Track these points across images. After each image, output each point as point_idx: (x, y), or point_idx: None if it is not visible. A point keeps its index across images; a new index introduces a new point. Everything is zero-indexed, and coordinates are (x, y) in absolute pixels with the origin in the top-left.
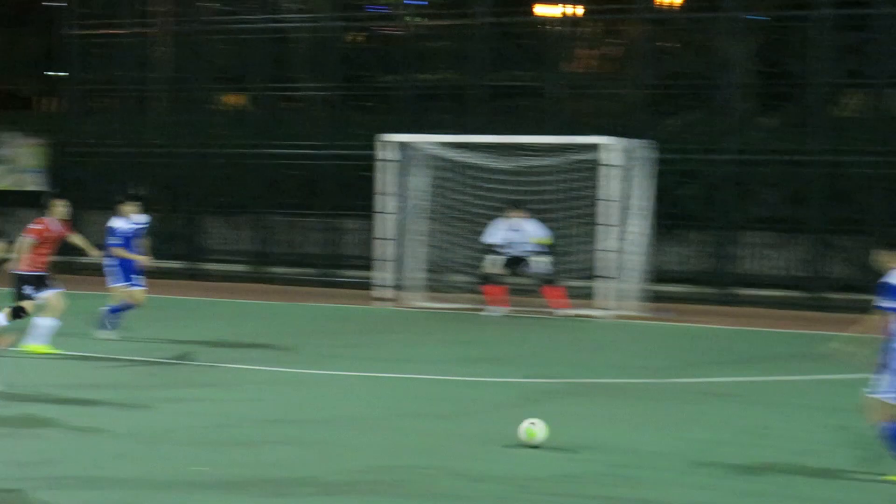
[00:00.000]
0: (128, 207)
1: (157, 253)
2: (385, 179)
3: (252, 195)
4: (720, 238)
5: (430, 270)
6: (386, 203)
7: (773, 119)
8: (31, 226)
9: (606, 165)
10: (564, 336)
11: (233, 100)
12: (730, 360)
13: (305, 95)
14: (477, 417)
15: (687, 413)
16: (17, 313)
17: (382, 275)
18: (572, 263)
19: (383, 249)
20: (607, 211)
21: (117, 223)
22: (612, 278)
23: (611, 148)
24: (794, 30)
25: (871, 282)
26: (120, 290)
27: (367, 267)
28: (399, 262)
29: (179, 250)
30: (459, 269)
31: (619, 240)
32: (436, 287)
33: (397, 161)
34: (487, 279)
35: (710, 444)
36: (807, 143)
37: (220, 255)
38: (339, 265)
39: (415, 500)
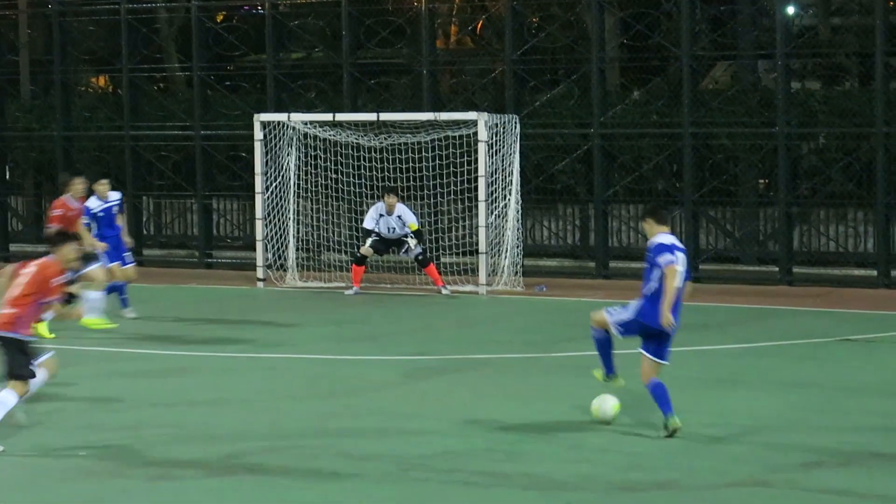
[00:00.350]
0: (101, 187)
1: (26, 237)
2: (259, 159)
3: (124, 178)
4: (592, 212)
5: (306, 250)
6: (260, 183)
7: (642, 93)
8: (54, 212)
9: (479, 141)
10: (442, 313)
11: (101, 82)
12: None
13: (175, 76)
14: (359, 396)
15: (568, 387)
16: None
17: (260, 255)
18: (450, 240)
19: (260, 230)
20: (481, 187)
21: (91, 203)
22: (487, 254)
23: (482, 124)
24: (660, 3)
25: (744, 252)
26: (114, 269)
27: (245, 248)
28: (275, 242)
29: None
30: (335, 247)
31: (493, 215)
32: (312, 266)
33: (270, 141)
34: (361, 261)
35: (592, 417)
36: (676, 116)
37: None
38: (217, 246)
39: (298, 480)
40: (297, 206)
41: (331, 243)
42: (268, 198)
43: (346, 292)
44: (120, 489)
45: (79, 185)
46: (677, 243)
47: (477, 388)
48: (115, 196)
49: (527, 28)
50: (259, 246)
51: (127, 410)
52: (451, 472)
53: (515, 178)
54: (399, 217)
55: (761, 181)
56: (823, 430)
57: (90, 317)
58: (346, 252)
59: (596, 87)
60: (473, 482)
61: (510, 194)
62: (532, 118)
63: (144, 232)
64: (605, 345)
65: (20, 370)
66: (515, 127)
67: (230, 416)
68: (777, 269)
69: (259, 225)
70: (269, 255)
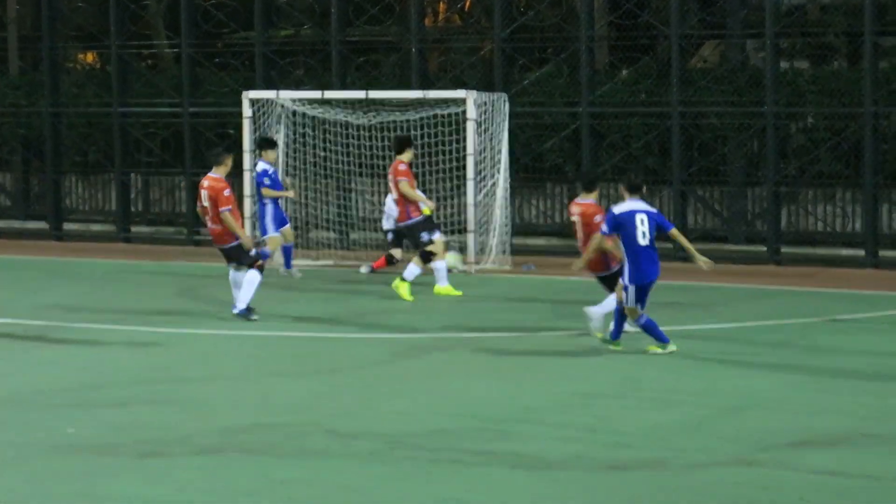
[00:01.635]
0: (271, 153)
1: (14, 214)
2: (247, 137)
3: (113, 154)
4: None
5: (294, 227)
6: (248, 160)
7: (631, 72)
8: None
9: (467, 119)
10: (431, 292)
11: (90, 58)
12: None
13: (163, 53)
14: (347, 374)
15: (556, 366)
16: (427, 257)
17: (248, 232)
18: (438, 219)
19: (248, 207)
20: (469, 165)
21: (261, 167)
22: (476, 233)
23: (471, 102)
24: None
25: (732, 231)
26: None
27: None
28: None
29: (40, 211)
30: (323, 225)
31: (481, 194)
32: (301, 244)
33: (259, 118)
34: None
35: (581, 396)
36: (664, 95)
37: (83, 215)
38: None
39: (288, 459)
40: (285, 184)
41: (319, 221)
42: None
43: (361, 269)
44: (108, 466)
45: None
46: (641, 207)
47: (466, 366)
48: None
49: (515, 6)
50: (247, 223)
51: (114, 387)
52: (440, 450)
53: (504, 156)
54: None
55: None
56: (812, 410)
57: (440, 285)
58: (333, 230)
59: (584, 66)
60: (462, 460)
61: (498, 173)
62: (521, 96)
63: (132, 209)
64: (650, 324)
65: (249, 259)
66: (504, 105)
67: (218, 394)
68: (765, 248)
69: (247, 202)
70: (257, 233)
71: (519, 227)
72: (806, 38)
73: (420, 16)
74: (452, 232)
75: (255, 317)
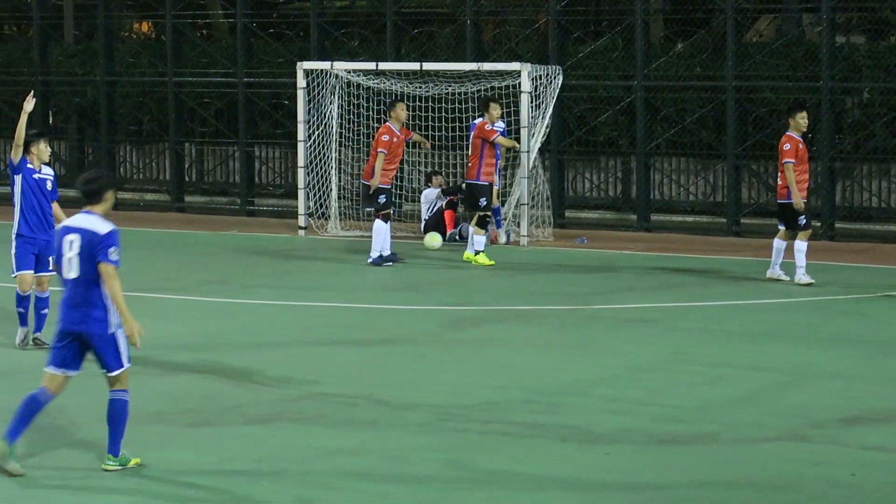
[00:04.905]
0: (402, 112)
1: (69, 182)
2: (301, 107)
3: (166, 124)
4: (634, 164)
5: (348, 199)
6: (303, 131)
7: (686, 45)
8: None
9: (521, 92)
10: (479, 266)
11: (145, 27)
12: (647, 287)
13: (218, 23)
14: (397, 345)
15: (608, 339)
16: (483, 222)
17: (301, 203)
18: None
19: (302, 178)
20: (524, 137)
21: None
22: (528, 205)
23: (525, 74)
24: None
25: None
26: None
27: (287, 195)
28: (317, 190)
29: None
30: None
31: (533, 167)
32: (353, 216)
33: (313, 89)
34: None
35: (632, 370)
36: (719, 69)
37: (137, 184)
38: (259, 194)
39: (338, 429)
40: (340, 155)
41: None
42: (310, 146)
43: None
44: (158, 434)
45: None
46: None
47: (516, 339)
48: None
49: None
50: (301, 194)
51: (165, 355)
52: (490, 422)
53: (540, 129)
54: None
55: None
56: (864, 386)
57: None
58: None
59: (639, 40)
60: (512, 433)
61: (551, 145)
62: (575, 69)
63: (186, 178)
64: None
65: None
66: (558, 78)
67: (269, 363)
68: (819, 223)
69: (301, 173)
70: (311, 204)
71: (571, 201)
72: (862, 13)
73: None
74: (503, 203)
75: (388, 263)
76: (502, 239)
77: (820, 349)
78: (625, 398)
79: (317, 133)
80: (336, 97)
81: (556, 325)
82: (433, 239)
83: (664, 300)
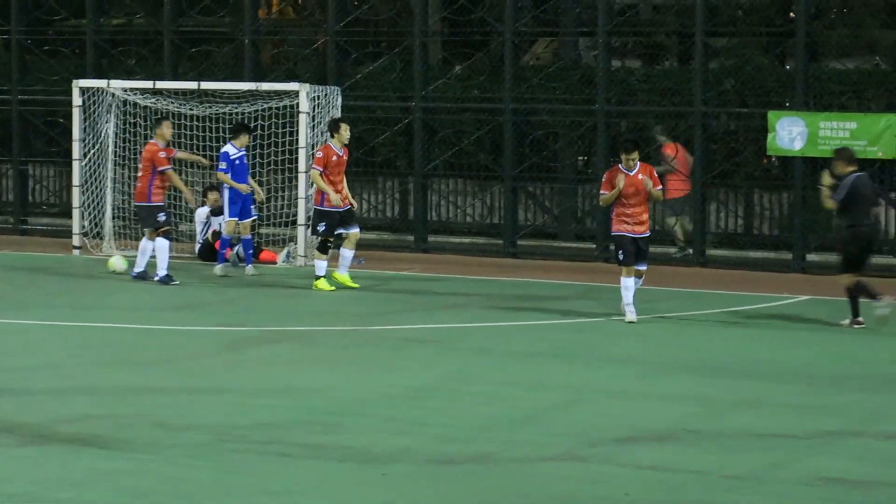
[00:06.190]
0: (243, 137)
1: None
2: (77, 126)
3: None
4: (412, 185)
5: (123, 218)
6: (78, 150)
7: (464, 67)
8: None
9: (300, 112)
10: (262, 284)
11: None
12: (426, 307)
13: None
14: (176, 366)
15: (388, 359)
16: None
17: (76, 223)
18: (269, 211)
19: (77, 197)
20: (301, 158)
21: (230, 149)
22: (307, 226)
23: (304, 95)
24: None
25: (562, 228)
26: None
27: (61, 214)
28: (92, 209)
29: None
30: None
31: (312, 187)
32: (130, 235)
33: (89, 107)
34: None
35: (411, 390)
36: (497, 91)
37: None
38: (32, 213)
39: (115, 451)
40: (115, 175)
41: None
42: (85, 165)
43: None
44: None
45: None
46: None
47: (296, 359)
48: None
49: None
50: (75, 213)
51: None
52: (268, 443)
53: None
54: None
55: (580, 158)
56: (639, 405)
57: (341, 272)
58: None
59: (418, 61)
60: (290, 454)
61: None
62: (354, 90)
63: None
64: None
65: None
66: (337, 99)
67: (45, 383)
68: (594, 245)
69: (76, 192)
70: (86, 223)
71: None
72: (638, 38)
73: (253, 7)
74: (283, 224)
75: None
76: (281, 260)
77: (598, 369)
78: (404, 418)
79: (92, 152)
80: (112, 116)
81: (336, 345)
82: (118, 262)
83: (443, 321)
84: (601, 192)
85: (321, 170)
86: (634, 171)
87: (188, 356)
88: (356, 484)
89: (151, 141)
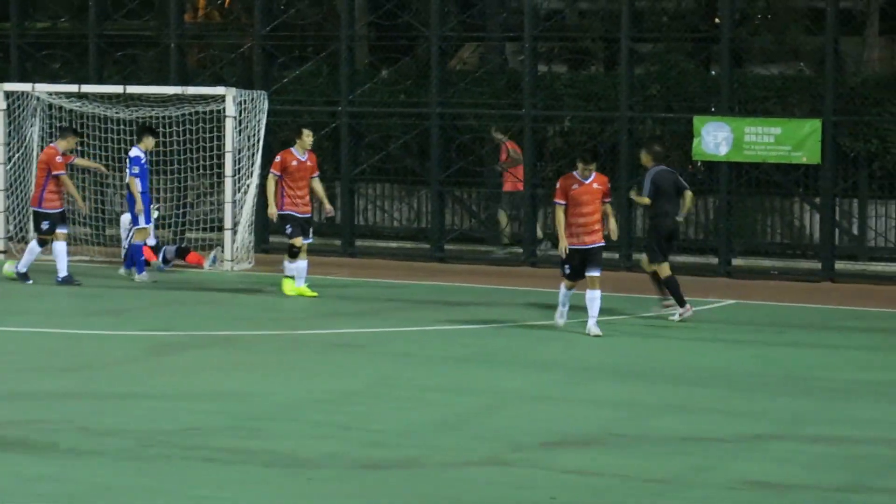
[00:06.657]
0: (148, 140)
1: None
2: (1, 130)
3: None
4: (339, 190)
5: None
6: (2, 153)
7: (390, 72)
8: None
9: (226, 117)
10: (188, 289)
11: None
12: (352, 312)
13: None
14: (100, 371)
15: (313, 364)
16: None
17: (1, 227)
18: (195, 216)
19: (1, 201)
20: (228, 162)
21: (135, 152)
22: (233, 230)
23: (230, 99)
24: None
25: (488, 233)
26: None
27: None
28: (17, 214)
29: None
30: (80, 221)
31: (239, 192)
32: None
33: (14, 111)
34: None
35: (337, 394)
36: (424, 95)
37: None
38: None
39: (39, 456)
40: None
41: (75, 216)
42: (10, 169)
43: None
44: None
45: (307, 137)
46: None
47: (221, 364)
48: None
49: (276, 4)
50: (0, 217)
51: None
52: (193, 448)
53: (259, 155)
54: None
55: (498, 167)
56: (564, 410)
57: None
58: (90, 225)
59: (344, 65)
60: (215, 458)
61: (255, 170)
62: (280, 94)
63: None
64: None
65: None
66: (263, 103)
67: None
68: (521, 250)
69: (0, 196)
70: (11, 227)
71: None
72: (564, 43)
73: (179, 11)
74: (210, 229)
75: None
76: (207, 265)
77: (522, 373)
78: (330, 423)
79: (17, 156)
80: (38, 120)
81: (262, 349)
82: (9, 266)
83: (369, 325)
84: (555, 200)
85: (279, 175)
86: (590, 180)
87: (113, 361)
88: (282, 489)
89: (51, 144)
